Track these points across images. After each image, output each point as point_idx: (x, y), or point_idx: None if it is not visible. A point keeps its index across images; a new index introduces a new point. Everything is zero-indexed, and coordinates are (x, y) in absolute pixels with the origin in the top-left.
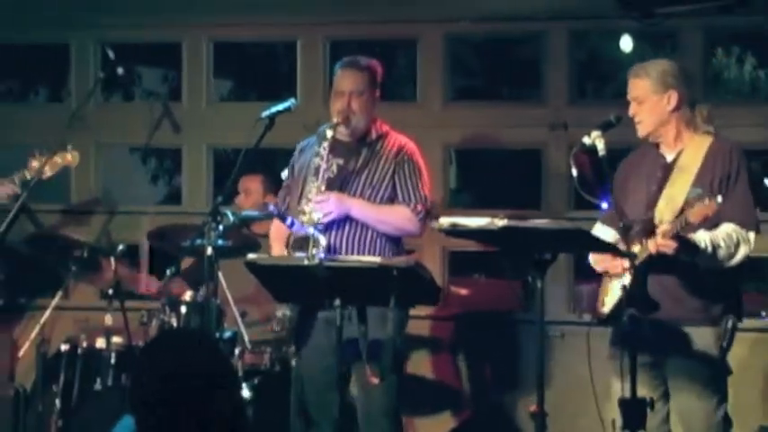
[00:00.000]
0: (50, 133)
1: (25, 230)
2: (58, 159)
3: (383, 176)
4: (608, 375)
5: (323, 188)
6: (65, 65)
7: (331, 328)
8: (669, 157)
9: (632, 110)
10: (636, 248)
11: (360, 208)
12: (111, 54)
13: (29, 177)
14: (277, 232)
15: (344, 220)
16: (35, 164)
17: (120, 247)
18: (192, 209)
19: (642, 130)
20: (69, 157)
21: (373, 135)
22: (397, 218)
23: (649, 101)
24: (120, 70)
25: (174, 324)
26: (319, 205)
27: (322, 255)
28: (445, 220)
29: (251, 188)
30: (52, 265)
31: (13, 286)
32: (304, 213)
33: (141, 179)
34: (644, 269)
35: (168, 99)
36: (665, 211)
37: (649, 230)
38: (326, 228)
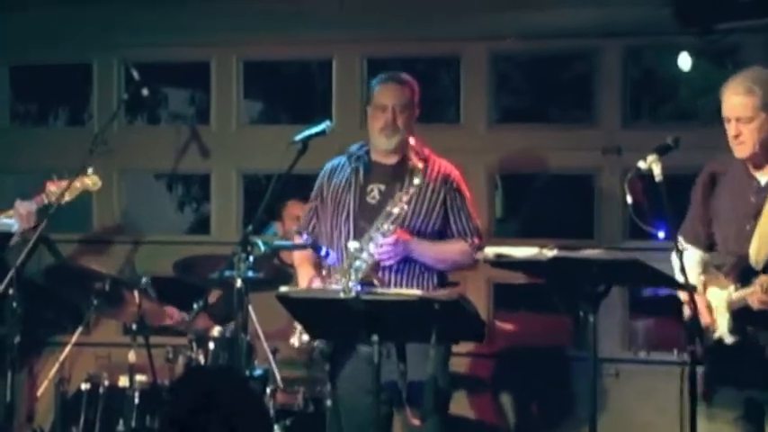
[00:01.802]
0: (71, 158)
1: (44, 261)
2: (77, 183)
3: (432, 207)
4: (668, 419)
5: (390, 231)
6: (86, 86)
7: (369, 365)
8: (762, 180)
9: (734, 129)
10: (726, 287)
11: (421, 250)
12: (135, 74)
13: (46, 202)
14: (300, 256)
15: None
16: (53, 188)
17: (145, 279)
18: (220, 238)
19: (744, 151)
20: (89, 182)
21: (414, 159)
22: (456, 254)
23: (758, 119)
24: (144, 91)
25: (202, 361)
26: (385, 248)
27: (359, 287)
28: (490, 251)
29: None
30: (72, 298)
31: (31, 321)
32: (361, 252)
33: (167, 207)
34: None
35: (196, 122)
36: (760, 249)
37: (744, 271)
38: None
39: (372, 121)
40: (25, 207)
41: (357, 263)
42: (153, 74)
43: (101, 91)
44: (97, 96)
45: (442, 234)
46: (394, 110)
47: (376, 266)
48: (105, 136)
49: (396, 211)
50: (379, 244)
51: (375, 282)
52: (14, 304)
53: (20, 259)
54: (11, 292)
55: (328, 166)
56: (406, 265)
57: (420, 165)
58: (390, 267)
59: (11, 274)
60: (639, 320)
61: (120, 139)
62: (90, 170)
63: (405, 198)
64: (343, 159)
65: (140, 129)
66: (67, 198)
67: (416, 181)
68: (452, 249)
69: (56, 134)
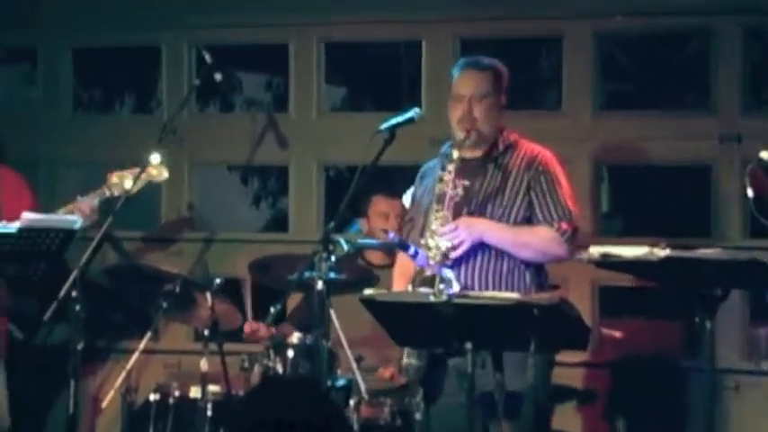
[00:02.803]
0: (138, 149)
1: (109, 261)
2: (141, 174)
3: (515, 194)
4: None
5: (450, 217)
6: (155, 70)
7: (463, 377)
8: None
9: None
10: None
11: (493, 231)
12: (207, 57)
13: (108, 194)
14: (402, 268)
15: (476, 250)
16: (114, 179)
17: (218, 280)
18: (300, 236)
19: None
20: (154, 172)
21: (500, 147)
22: (540, 239)
23: None
24: (217, 76)
25: (280, 370)
26: (448, 236)
27: (451, 290)
28: (596, 250)
29: (388, 212)
30: (139, 301)
31: (95, 326)
32: (429, 249)
33: (241, 202)
34: None
35: (273, 109)
36: None
37: None
38: (455, 262)
39: (450, 111)
40: (87, 202)
41: (439, 270)
42: (227, 57)
43: (170, 76)
44: (166, 82)
45: (529, 224)
46: (471, 100)
47: (446, 257)
48: (175, 125)
49: (447, 190)
50: (440, 233)
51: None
52: (77, 308)
53: (83, 259)
54: (74, 294)
55: (423, 168)
56: (492, 259)
57: (462, 135)
58: (474, 267)
59: (74, 275)
60: (762, 328)
61: (191, 128)
62: (155, 158)
63: (448, 177)
64: (435, 161)
65: (212, 117)
66: (131, 189)
67: (455, 155)
68: (536, 234)
69: (121, 123)
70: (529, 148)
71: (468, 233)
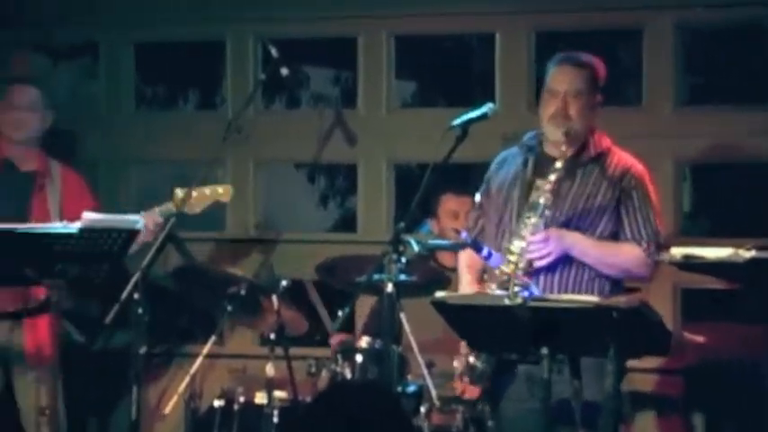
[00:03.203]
0: (202, 147)
1: (172, 263)
2: (207, 192)
3: (605, 206)
4: None
5: (541, 226)
6: (219, 65)
7: (534, 383)
8: None
9: None
10: None
11: (582, 247)
12: (273, 52)
13: (173, 211)
14: (468, 261)
15: (557, 260)
16: (180, 195)
17: (284, 282)
18: (368, 237)
19: None
20: (221, 190)
21: (592, 151)
22: (626, 259)
23: None
24: (284, 71)
25: (348, 375)
26: (536, 246)
27: (526, 293)
28: (678, 251)
29: (459, 211)
30: (204, 304)
31: (158, 329)
32: (511, 253)
33: (308, 201)
34: None
35: (341, 105)
36: None
37: None
38: (535, 269)
39: (543, 107)
40: (151, 217)
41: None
42: (293, 51)
43: (235, 71)
44: (231, 77)
45: (614, 239)
46: (566, 96)
47: (529, 268)
48: (240, 122)
49: (542, 201)
50: (528, 241)
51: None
52: (140, 311)
53: (146, 260)
54: (136, 296)
55: (499, 156)
56: (572, 269)
57: (565, 149)
58: (554, 275)
59: (136, 276)
60: None
61: (257, 124)
62: (221, 172)
63: (548, 186)
64: (515, 150)
65: (279, 113)
66: (196, 209)
67: (558, 164)
68: (622, 252)
69: (185, 120)
70: (622, 158)
71: (557, 245)
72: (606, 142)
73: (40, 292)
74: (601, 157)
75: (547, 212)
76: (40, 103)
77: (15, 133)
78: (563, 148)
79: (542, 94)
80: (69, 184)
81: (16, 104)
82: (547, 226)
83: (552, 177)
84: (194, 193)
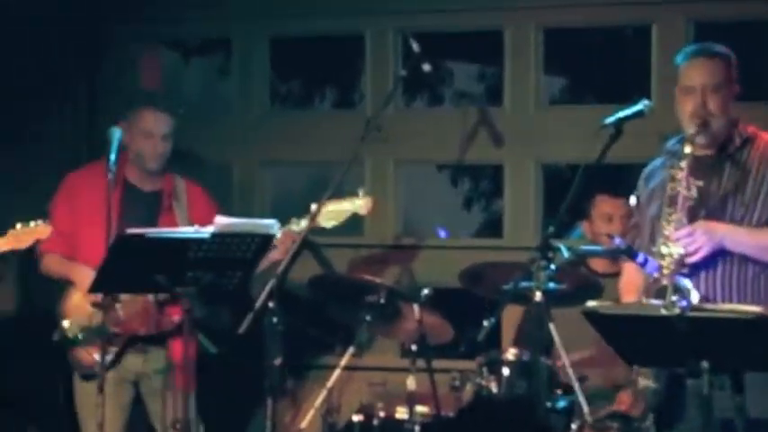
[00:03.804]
0: (339, 147)
1: (308, 271)
2: (345, 206)
3: (757, 192)
4: None
5: (684, 220)
6: (358, 61)
7: (699, 399)
8: None
9: None
10: None
11: (734, 235)
12: (415, 46)
13: (307, 227)
14: (629, 276)
15: (716, 256)
16: (316, 210)
17: (426, 290)
18: (515, 242)
19: None
20: (360, 203)
21: (737, 141)
22: None
23: None
24: (426, 66)
25: (494, 390)
26: (683, 242)
27: (684, 302)
28: None
29: (614, 214)
30: (341, 313)
31: (294, 340)
32: (663, 257)
33: (452, 204)
34: None
35: (486, 103)
36: None
37: None
38: (693, 270)
39: (679, 105)
40: (291, 237)
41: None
42: (435, 45)
43: (374, 67)
44: (370, 73)
45: None
46: (704, 91)
47: (681, 265)
48: (379, 120)
49: (680, 190)
50: (674, 237)
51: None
52: (275, 320)
53: (281, 267)
54: (271, 305)
55: (647, 169)
56: (734, 267)
57: (694, 129)
58: (714, 274)
59: (271, 284)
60: None
61: (397, 123)
62: (362, 192)
63: (680, 175)
64: (660, 159)
65: (420, 111)
66: (332, 224)
67: (687, 150)
68: None
69: (322, 118)
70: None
71: (706, 238)
72: (750, 128)
73: (173, 313)
74: (746, 144)
75: (688, 204)
76: (172, 127)
77: (150, 164)
78: (703, 142)
79: (676, 93)
80: (196, 201)
81: (154, 133)
82: (694, 221)
83: (683, 164)
84: (330, 207)
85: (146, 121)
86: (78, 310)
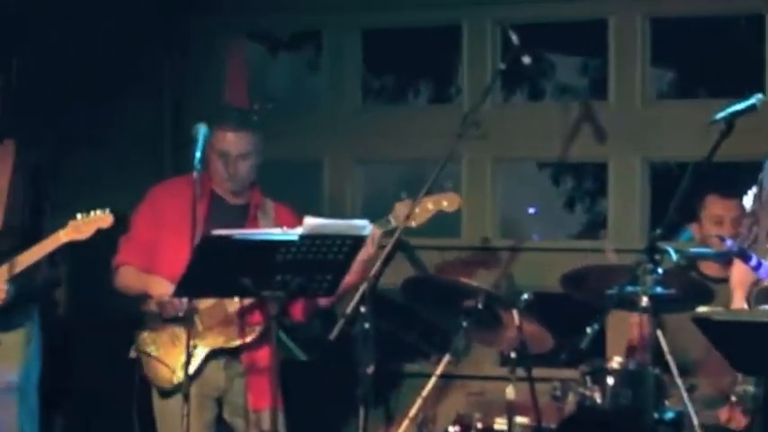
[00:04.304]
0: (434, 144)
1: (402, 274)
2: (429, 205)
3: None
4: None
5: None
6: (454, 54)
7: None
8: None
9: None
10: None
11: None
12: (514, 38)
13: (392, 225)
14: (740, 276)
15: None
16: (402, 209)
17: (526, 295)
18: (621, 244)
19: None
20: (445, 202)
21: None
22: None
23: None
24: (526, 59)
25: (598, 400)
26: None
27: None
28: None
29: (724, 216)
30: (437, 319)
31: (387, 346)
32: None
33: (553, 204)
34: None
35: (590, 97)
36: None
37: None
38: None
39: None
40: (378, 233)
41: None
42: (536, 37)
43: (471, 60)
44: (467, 67)
45: None
46: None
47: None
48: (477, 116)
49: None
50: None
51: None
52: (366, 325)
53: (373, 270)
54: (362, 310)
55: None
56: None
57: None
58: None
59: (363, 288)
60: None
61: (495, 119)
62: (449, 184)
63: None
64: None
65: (520, 106)
66: (418, 222)
67: None
68: None
69: (416, 114)
70: None
71: None
72: None
73: (254, 320)
74: None
75: None
76: (255, 147)
77: (230, 185)
78: None
79: None
80: (283, 219)
81: (230, 153)
82: None
83: None
84: (416, 210)
85: (220, 140)
86: (155, 322)
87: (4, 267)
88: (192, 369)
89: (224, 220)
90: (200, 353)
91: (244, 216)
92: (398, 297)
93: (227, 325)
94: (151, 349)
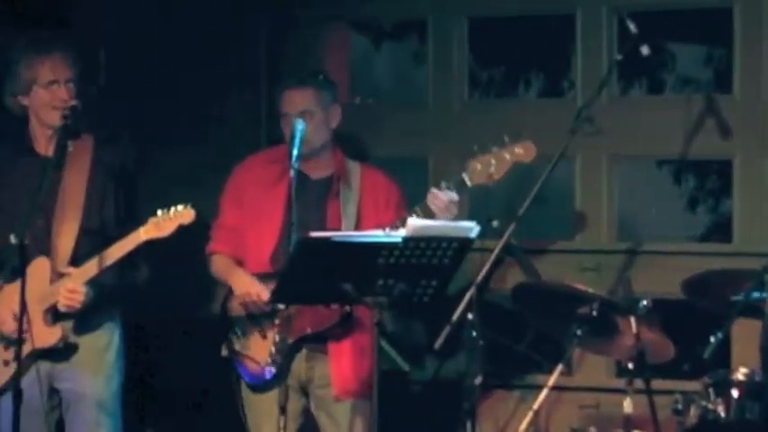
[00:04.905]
0: (546, 140)
1: (511, 279)
2: (506, 155)
3: None
4: None
5: None
6: (567, 44)
7: None
8: None
9: None
10: None
11: None
12: (632, 27)
13: (468, 183)
14: None
15: None
16: (478, 166)
17: (644, 302)
18: (747, 248)
19: None
20: (521, 150)
21: None
22: None
23: None
24: (644, 50)
25: (722, 414)
26: None
27: None
28: None
29: None
30: (549, 327)
31: (495, 356)
32: None
33: (674, 205)
34: None
35: (714, 90)
36: None
37: None
38: None
39: None
40: (442, 195)
41: None
42: (655, 25)
43: (585, 50)
44: (581, 58)
45: None
46: None
47: None
48: (591, 110)
49: None
50: None
51: None
52: (474, 334)
53: (480, 275)
54: (469, 317)
55: None
56: None
57: None
58: None
59: (469, 294)
60: None
61: (612, 114)
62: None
63: None
64: None
65: (638, 100)
66: (497, 176)
67: None
68: None
69: (527, 108)
70: None
71: None
72: None
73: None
74: None
75: None
76: (319, 103)
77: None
78: None
79: None
80: (371, 186)
81: (291, 113)
82: None
83: None
84: (493, 162)
85: (280, 103)
86: (241, 317)
87: (82, 269)
88: (280, 360)
89: (306, 200)
90: (286, 344)
91: (326, 191)
92: (508, 303)
93: (311, 309)
94: (240, 346)
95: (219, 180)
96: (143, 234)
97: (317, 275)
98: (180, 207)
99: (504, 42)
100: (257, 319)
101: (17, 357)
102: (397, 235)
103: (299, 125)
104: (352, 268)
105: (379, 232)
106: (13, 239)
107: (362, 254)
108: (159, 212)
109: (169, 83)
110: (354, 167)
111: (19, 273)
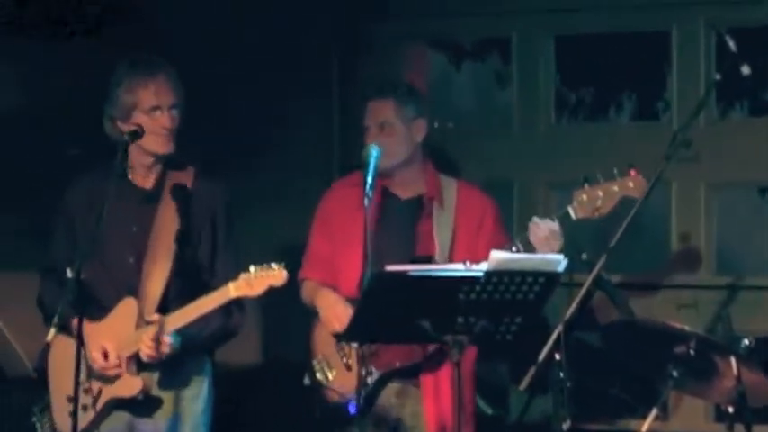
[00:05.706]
0: (639, 166)
1: (603, 316)
2: (615, 188)
3: None
4: None
5: None
6: (662, 63)
7: None
8: None
9: None
10: None
11: None
12: (731, 45)
13: (573, 216)
14: None
15: None
16: (584, 198)
17: (746, 341)
18: None
19: None
20: (632, 184)
21: None
22: None
23: None
24: (745, 69)
25: None
26: None
27: None
28: None
29: None
30: (642, 367)
31: (586, 399)
32: None
33: None
34: None
35: None
36: None
37: None
38: None
39: None
40: (544, 226)
41: None
42: (757, 42)
43: (681, 70)
44: (676, 78)
45: None
46: None
47: None
48: (688, 134)
49: None
50: None
51: None
52: (562, 375)
53: (568, 312)
54: (557, 357)
55: None
56: None
57: None
58: None
59: (557, 332)
60: None
61: (710, 138)
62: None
63: None
64: None
65: (738, 123)
66: (603, 210)
67: None
68: None
69: (619, 132)
70: None
71: None
72: None
73: None
74: None
75: None
76: (399, 115)
77: (380, 161)
78: None
79: None
80: (468, 205)
81: (371, 126)
82: None
83: None
84: (600, 194)
85: (364, 115)
86: (326, 346)
87: (168, 319)
88: (365, 393)
89: (396, 223)
90: (373, 377)
91: (417, 211)
92: (598, 342)
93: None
94: (323, 376)
95: (295, 202)
96: (233, 291)
97: (394, 312)
98: (274, 265)
99: (593, 62)
100: (343, 348)
101: (93, 405)
102: (479, 268)
103: (374, 151)
104: (430, 304)
105: (459, 266)
106: (69, 273)
107: (442, 289)
108: (252, 269)
109: (242, 104)
110: (449, 185)
111: (75, 308)
